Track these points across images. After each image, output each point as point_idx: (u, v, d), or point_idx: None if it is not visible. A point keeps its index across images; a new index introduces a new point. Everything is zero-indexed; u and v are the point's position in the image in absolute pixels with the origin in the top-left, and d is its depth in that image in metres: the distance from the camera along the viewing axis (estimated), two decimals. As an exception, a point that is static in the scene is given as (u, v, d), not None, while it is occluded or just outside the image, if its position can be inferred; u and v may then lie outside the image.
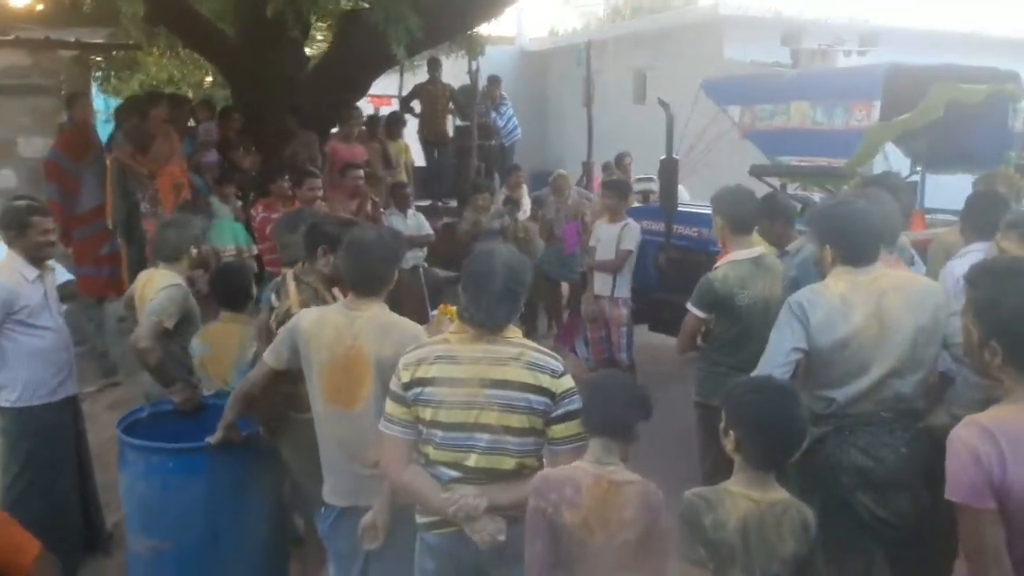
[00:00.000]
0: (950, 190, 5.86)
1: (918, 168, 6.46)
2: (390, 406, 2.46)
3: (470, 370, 2.36)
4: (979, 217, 3.78)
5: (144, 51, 10.95)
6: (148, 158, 6.59)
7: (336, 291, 3.31)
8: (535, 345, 2.44)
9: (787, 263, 4.19)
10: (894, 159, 6.56)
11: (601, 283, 6.08)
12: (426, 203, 9.51)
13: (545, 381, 2.35)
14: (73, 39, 7.69)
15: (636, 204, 7.67)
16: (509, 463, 2.38)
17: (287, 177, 6.28)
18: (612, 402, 2.32)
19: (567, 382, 2.39)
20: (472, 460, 2.37)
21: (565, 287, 8.04)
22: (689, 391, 4.06)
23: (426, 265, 7.67)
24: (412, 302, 6.63)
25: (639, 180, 8.37)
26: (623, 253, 5.93)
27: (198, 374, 3.81)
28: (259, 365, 2.99)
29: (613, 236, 5.97)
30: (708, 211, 4.19)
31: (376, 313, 2.81)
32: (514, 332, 2.43)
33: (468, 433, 2.36)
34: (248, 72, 7.90)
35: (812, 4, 13.02)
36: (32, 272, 3.71)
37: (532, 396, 2.34)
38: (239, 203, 6.95)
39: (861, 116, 5.24)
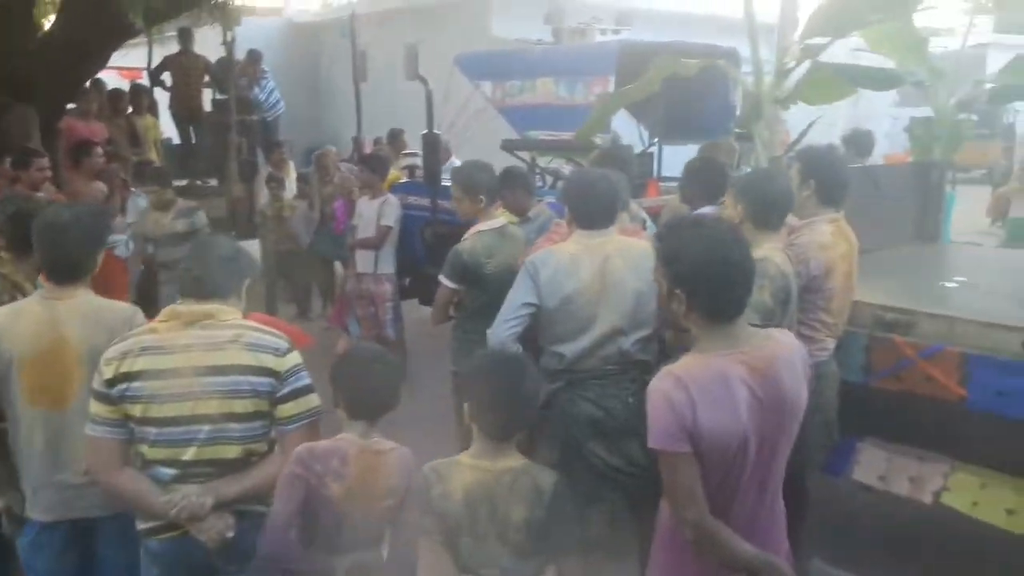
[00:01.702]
0: (684, 160, 6.37)
1: (655, 140, 6.95)
2: (94, 406, 2.27)
3: (182, 359, 2.23)
4: (703, 184, 4.12)
5: None
6: None
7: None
8: (254, 325, 2.35)
9: (528, 229, 4.39)
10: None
11: (364, 260, 6.02)
12: (183, 182, 8.95)
13: (268, 361, 2.27)
14: None
15: (404, 179, 7.67)
16: (233, 451, 2.29)
17: (8, 159, 5.64)
18: (375, 391, 2.33)
19: (292, 359, 2.31)
20: (190, 453, 2.25)
21: (340, 266, 7.90)
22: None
23: (184, 249, 7.21)
24: (167, 289, 6.22)
25: (405, 155, 8.37)
26: (383, 229, 5.90)
27: None
28: None
29: (373, 212, 5.93)
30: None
31: (81, 299, 2.59)
32: (231, 314, 2.33)
33: (186, 427, 2.23)
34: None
35: (571, -17, 13.54)
36: None
37: (255, 378, 2.25)
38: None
39: (599, 91, 5.57)
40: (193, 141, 9.82)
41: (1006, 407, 3.04)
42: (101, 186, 6.18)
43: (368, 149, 9.10)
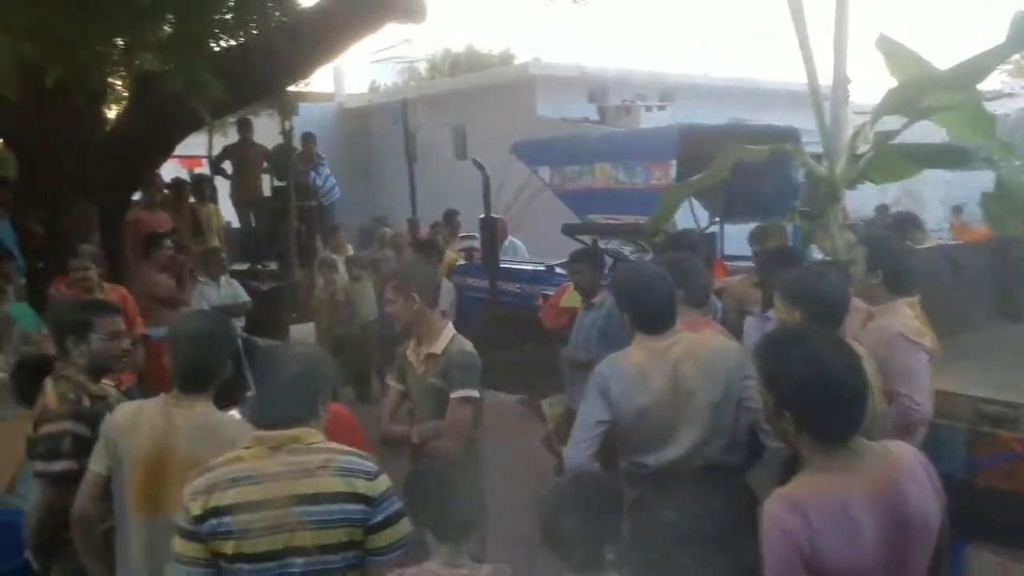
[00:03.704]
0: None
1: (716, 219, 6.91)
2: (180, 544, 2.10)
3: (272, 489, 2.09)
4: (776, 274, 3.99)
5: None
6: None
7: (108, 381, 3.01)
8: (341, 447, 2.24)
9: (594, 316, 4.33)
10: (698, 212, 7.03)
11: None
12: (244, 266, 9.13)
13: (361, 486, 2.13)
14: None
15: (461, 262, 7.70)
16: None
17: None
18: (461, 509, 2.24)
19: (382, 483, 2.18)
20: None
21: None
22: (530, 439, 4.06)
23: (245, 335, 7.28)
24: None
25: (462, 238, 8.42)
26: (440, 315, 5.87)
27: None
28: (87, 475, 2.62)
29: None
30: (531, 267, 4.15)
31: (199, 411, 2.55)
32: (316, 436, 2.21)
33: (279, 561, 2.08)
34: (34, 139, 7.25)
35: (613, 61, 13.82)
36: None
37: (349, 506, 2.12)
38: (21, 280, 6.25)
39: (660, 175, 5.59)
40: (253, 224, 10.03)
41: None
42: (168, 278, 6.30)
43: (424, 232, 9.20)
